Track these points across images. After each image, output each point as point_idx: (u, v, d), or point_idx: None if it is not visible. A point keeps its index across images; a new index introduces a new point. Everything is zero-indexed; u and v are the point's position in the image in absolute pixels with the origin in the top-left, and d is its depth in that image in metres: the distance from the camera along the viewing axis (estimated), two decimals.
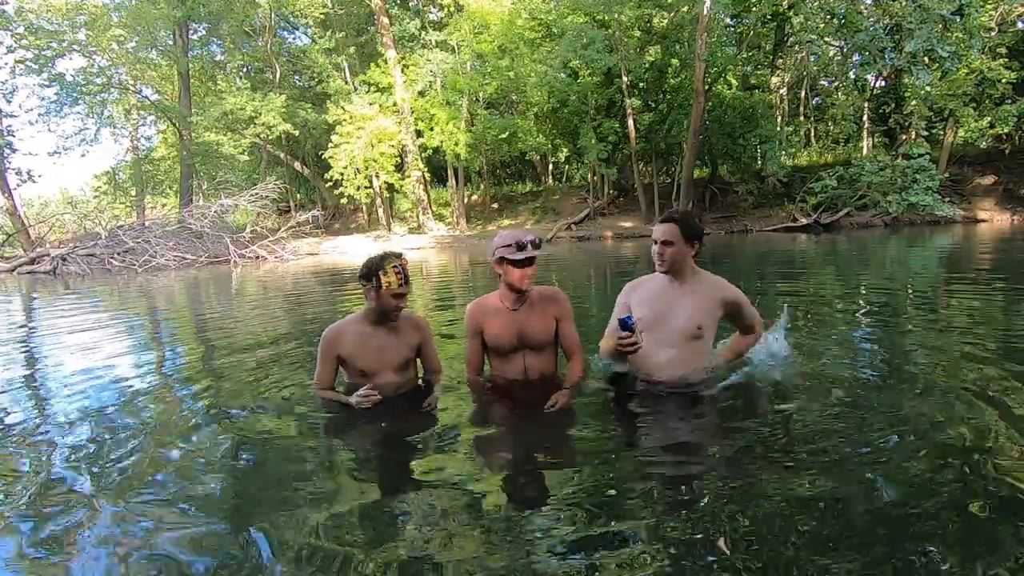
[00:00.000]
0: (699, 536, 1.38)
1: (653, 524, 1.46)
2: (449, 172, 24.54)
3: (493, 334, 2.49)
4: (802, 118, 25.49)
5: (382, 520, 1.58)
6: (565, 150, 24.75)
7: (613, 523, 1.47)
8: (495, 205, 26.79)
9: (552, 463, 1.94)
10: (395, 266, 2.38)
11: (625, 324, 2.18)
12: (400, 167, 23.50)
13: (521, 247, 2.32)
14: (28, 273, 15.73)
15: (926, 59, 16.35)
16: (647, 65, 20.28)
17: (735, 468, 1.77)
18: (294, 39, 28.10)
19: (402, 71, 22.55)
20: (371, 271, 2.40)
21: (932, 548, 1.31)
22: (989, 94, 16.90)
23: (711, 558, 1.30)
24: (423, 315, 5.82)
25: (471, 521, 1.52)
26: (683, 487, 1.68)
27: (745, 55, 22.05)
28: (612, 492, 1.65)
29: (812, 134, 25.74)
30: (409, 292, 2.44)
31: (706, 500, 1.58)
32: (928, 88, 16.74)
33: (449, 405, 2.49)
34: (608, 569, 1.29)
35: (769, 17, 20.26)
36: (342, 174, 21.84)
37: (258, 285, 10.13)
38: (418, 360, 2.69)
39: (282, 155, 25.75)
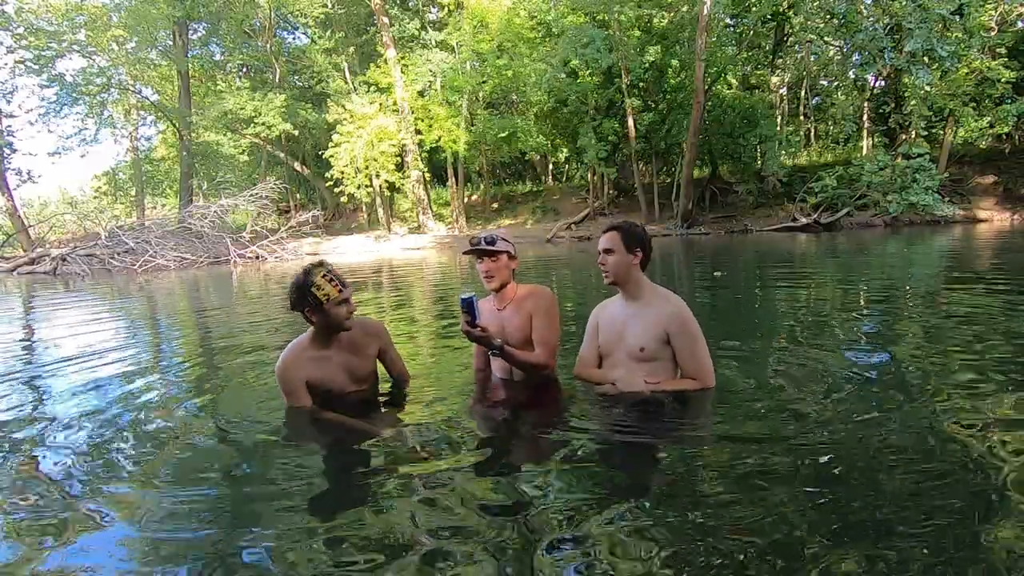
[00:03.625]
0: (685, 529, 1.39)
1: (637, 518, 1.46)
2: (449, 172, 24.56)
3: None
4: (802, 118, 25.50)
5: (377, 523, 1.58)
6: (565, 150, 24.77)
7: (599, 519, 1.47)
8: (495, 205, 26.80)
9: (537, 461, 1.94)
10: (323, 275, 2.20)
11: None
12: (400, 166, 23.52)
13: (473, 243, 2.43)
14: (28, 273, 15.74)
15: (926, 59, 16.34)
16: (647, 65, 20.29)
17: (726, 463, 1.77)
18: (294, 39, 28.14)
19: (402, 71, 22.56)
20: (301, 293, 2.20)
21: (921, 545, 1.31)
22: (989, 94, 16.89)
23: (704, 550, 1.30)
24: (423, 315, 5.84)
25: (460, 521, 1.52)
26: (660, 479, 1.68)
27: (745, 55, 22.05)
28: (598, 489, 1.66)
29: (812, 134, 25.76)
30: (351, 293, 2.28)
31: (692, 495, 1.58)
32: (928, 88, 16.73)
33: (433, 407, 2.51)
34: (601, 564, 1.29)
35: (769, 17, 20.25)
36: (343, 173, 21.86)
37: (258, 285, 10.13)
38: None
39: (282, 155, 25.78)
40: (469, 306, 2.24)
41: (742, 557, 1.30)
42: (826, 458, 1.80)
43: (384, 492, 1.77)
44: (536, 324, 2.43)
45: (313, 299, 2.20)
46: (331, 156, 22.17)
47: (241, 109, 21.76)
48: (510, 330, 2.44)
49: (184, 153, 23.82)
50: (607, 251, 2.27)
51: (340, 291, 2.22)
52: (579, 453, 1.97)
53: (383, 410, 2.53)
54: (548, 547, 1.38)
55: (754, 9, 19.58)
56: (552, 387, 2.53)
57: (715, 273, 7.89)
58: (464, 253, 2.50)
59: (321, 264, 2.28)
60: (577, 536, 1.42)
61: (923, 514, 1.46)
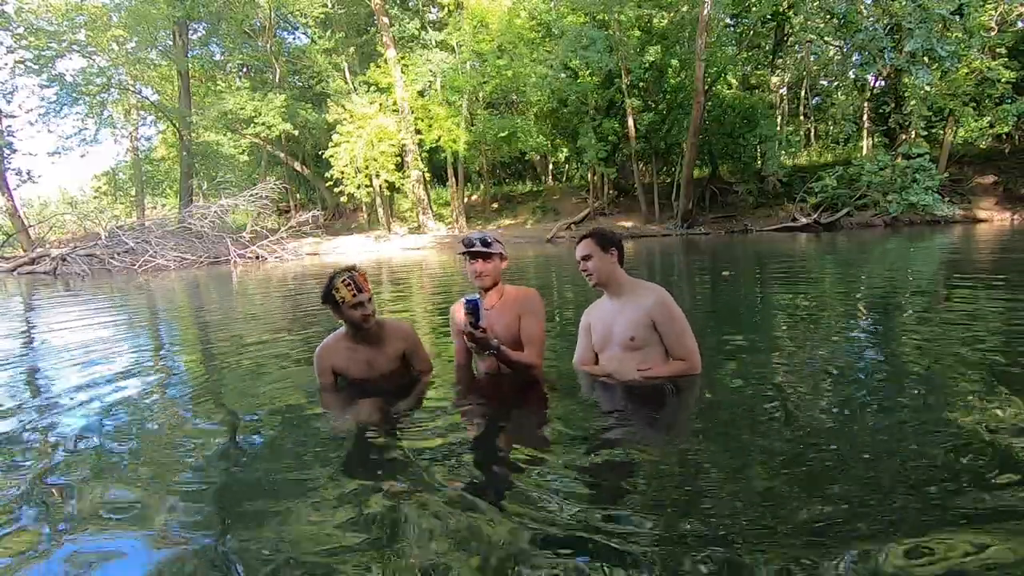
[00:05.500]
0: (678, 517, 1.39)
1: (630, 510, 1.46)
2: (449, 172, 24.56)
3: None
4: (802, 118, 25.52)
5: (374, 522, 1.58)
6: (565, 150, 24.80)
7: (592, 511, 1.47)
8: (495, 205, 26.81)
9: (529, 456, 1.94)
10: (344, 280, 2.45)
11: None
12: (400, 166, 23.53)
13: (467, 243, 2.51)
14: (28, 273, 15.75)
15: (926, 59, 16.35)
16: (647, 65, 20.31)
17: (721, 458, 1.77)
18: (294, 39, 28.16)
19: (402, 71, 22.57)
20: (326, 291, 2.49)
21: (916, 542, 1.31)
22: (989, 94, 16.90)
23: (697, 542, 1.30)
24: (422, 315, 5.85)
25: (459, 519, 1.52)
26: (651, 472, 1.68)
27: (745, 55, 22.08)
28: (589, 479, 1.66)
29: (812, 134, 25.77)
30: (368, 298, 2.49)
31: (687, 488, 1.58)
32: (928, 88, 16.74)
33: (433, 403, 2.56)
34: (597, 557, 1.29)
35: (769, 17, 20.28)
36: (343, 173, 21.86)
37: (258, 285, 10.13)
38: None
39: (282, 155, 25.78)
40: (474, 308, 2.30)
41: (732, 541, 1.30)
42: (819, 450, 1.80)
43: (376, 486, 1.77)
44: (526, 324, 2.54)
45: (331, 299, 2.47)
46: (331, 156, 22.17)
47: (241, 109, 21.77)
48: (497, 329, 2.50)
49: (184, 153, 23.82)
50: (586, 257, 2.46)
51: (354, 296, 2.45)
52: (567, 442, 1.99)
53: (391, 401, 2.55)
54: (543, 538, 1.38)
55: (754, 9, 19.61)
56: (537, 383, 2.60)
57: (723, 273, 7.88)
58: (460, 253, 2.57)
59: (347, 270, 2.51)
60: (570, 525, 1.42)
61: (911, 507, 1.46)
